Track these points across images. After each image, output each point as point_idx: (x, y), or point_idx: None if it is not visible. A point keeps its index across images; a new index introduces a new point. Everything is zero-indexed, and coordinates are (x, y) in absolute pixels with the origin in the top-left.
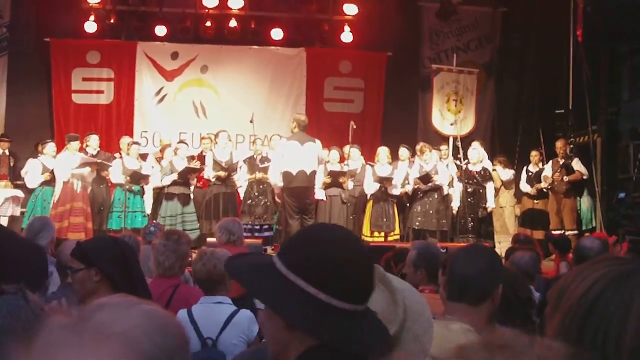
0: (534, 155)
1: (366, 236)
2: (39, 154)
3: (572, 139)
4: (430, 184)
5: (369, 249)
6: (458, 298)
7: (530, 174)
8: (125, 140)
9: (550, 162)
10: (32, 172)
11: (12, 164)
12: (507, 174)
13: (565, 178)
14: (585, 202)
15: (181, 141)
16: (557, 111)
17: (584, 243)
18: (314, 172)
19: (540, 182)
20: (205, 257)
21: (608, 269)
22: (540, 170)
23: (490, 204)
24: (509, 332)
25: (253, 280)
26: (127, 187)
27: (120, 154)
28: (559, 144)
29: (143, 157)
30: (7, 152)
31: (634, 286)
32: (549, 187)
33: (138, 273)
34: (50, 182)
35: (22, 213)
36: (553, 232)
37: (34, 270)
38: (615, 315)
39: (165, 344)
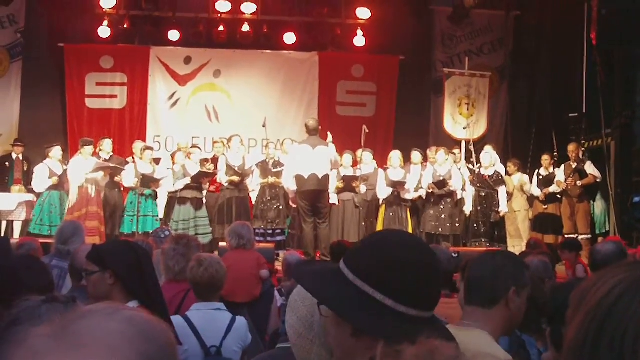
0: (545, 159)
1: None
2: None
3: (585, 143)
4: (445, 189)
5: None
6: (470, 301)
7: (541, 177)
8: (138, 145)
9: (563, 166)
10: (38, 177)
11: (25, 169)
12: (527, 182)
13: (579, 182)
14: (598, 205)
15: (194, 146)
16: (570, 114)
17: (599, 248)
18: (326, 176)
19: (550, 186)
20: (207, 263)
21: (628, 274)
22: (551, 174)
23: (503, 208)
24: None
25: (320, 286)
26: (139, 191)
27: (133, 158)
28: (571, 147)
29: (156, 161)
30: (20, 156)
31: None
32: (561, 192)
33: (152, 278)
34: (58, 186)
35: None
36: (566, 236)
37: (41, 284)
38: (633, 319)
39: (149, 350)
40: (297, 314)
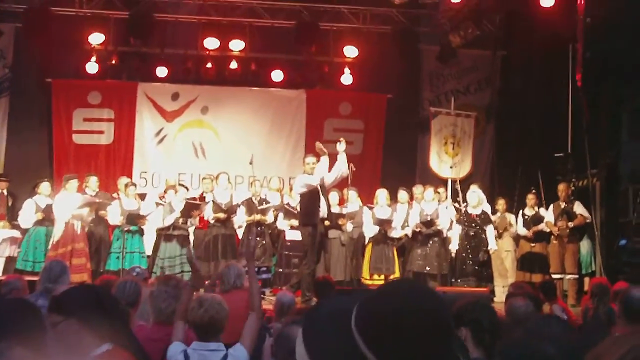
0: (530, 198)
1: (365, 279)
2: (34, 194)
3: (572, 183)
4: (432, 229)
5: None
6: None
7: (526, 217)
8: (122, 181)
9: (551, 206)
10: (25, 212)
11: (10, 204)
12: (514, 223)
13: (570, 224)
14: (584, 245)
15: (181, 184)
16: (556, 154)
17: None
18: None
19: (537, 224)
20: (207, 304)
21: None
22: (537, 214)
23: (492, 246)
24: None
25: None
26: (124, 228)
27: (118, 194)
28: (560, 187)
29: (142, 197)
30: (5, 192)
31: None
32: (550, 232)
33: (118, 317)
34: (43, 221)
35: (18, 254)
36: (553, 275)
37: (27, 328)
38: None
39: None
40: None
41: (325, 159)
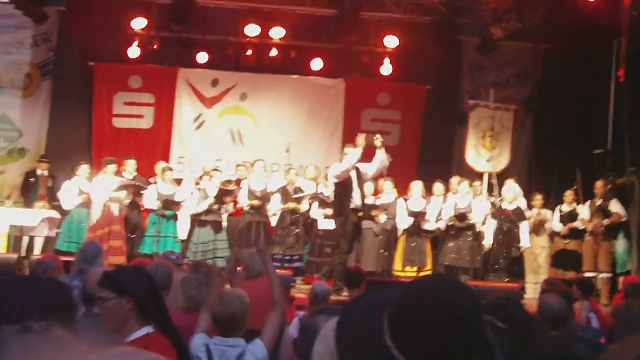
0: (568, 194)
1: (398, 271)
2: (74, 176)
3: (611, 179)
4: (465, 222)
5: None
6: None
7: (562, 213)
8: (160, 166)
9: (588, 202)
10: (67, 194)
11: (50, 185)
12: (549, 218)
13: (605, 221)
14: (621, 244)
15: (215, 168)
16: (595, 151)
17: None
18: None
19: (572, 221)
20: (229, 299)
21: None
22: (573, 210)
23: (525, 243)
24: None
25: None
26: (159, 212)
27: (155, 179)
28: (598, 184)
29: (178, 182)
30: (46, 173)
31: None
32: (588, 231)
33: (163, 302)
34: (86, 204)
35: (57, 234)
36: (586, 274)
37: (60, 306)
38: None
39: None
40: (326, 344)
41: (357, 151)
